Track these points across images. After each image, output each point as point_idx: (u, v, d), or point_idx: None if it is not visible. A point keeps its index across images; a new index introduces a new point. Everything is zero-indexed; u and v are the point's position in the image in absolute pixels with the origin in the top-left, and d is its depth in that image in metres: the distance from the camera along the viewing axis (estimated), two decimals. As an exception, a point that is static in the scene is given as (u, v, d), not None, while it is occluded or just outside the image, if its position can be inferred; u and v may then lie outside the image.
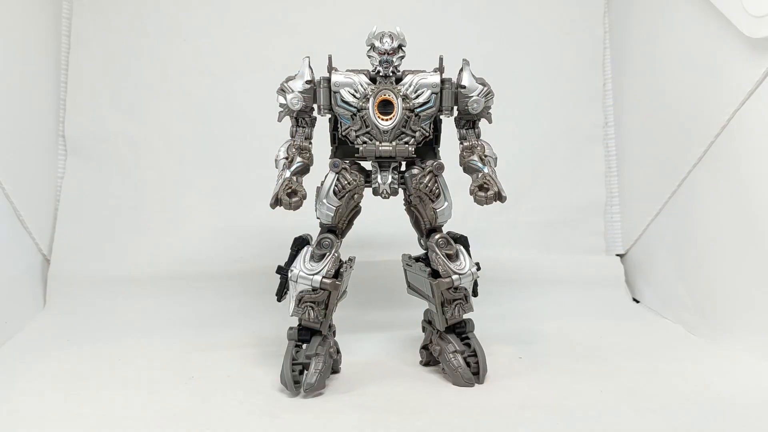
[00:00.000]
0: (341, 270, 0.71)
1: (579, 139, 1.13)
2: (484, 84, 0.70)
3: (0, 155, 0.88)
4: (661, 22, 0.99)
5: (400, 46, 0.68)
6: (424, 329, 0.79)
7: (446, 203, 0.71)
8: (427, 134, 0.69)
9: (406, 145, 0.68)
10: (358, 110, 0.68)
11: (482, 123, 0.72)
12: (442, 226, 0.72)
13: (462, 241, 0.73)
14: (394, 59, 0.68)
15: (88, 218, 1.04)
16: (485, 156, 0.70)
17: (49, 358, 0.77)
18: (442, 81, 0.69)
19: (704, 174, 0.89)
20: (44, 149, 1.03)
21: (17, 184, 0.91)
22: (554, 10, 1.13)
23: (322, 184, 0.70)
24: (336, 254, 0.70)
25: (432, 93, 0.68)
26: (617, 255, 1.12)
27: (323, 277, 0.69)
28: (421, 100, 0.68)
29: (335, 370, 0.72)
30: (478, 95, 0.70)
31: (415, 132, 0.69)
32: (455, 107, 0.71)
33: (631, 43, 1.09)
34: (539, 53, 1.13)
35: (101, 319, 0.93)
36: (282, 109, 0.70)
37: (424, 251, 0.74)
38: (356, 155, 0.68)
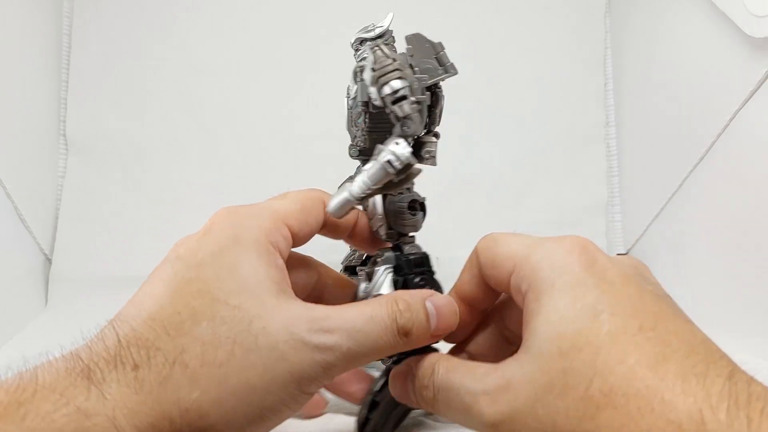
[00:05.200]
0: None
1: (580, 139, 1.13)
2: None
3: (1, 155, 0.88)
4: (662, 21, 0.99)
5: (401, 46, 0.68)
6: (425, 329, 0.78)
7: None
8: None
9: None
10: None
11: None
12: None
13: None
14: (396, 59, 0.68)
15: (89, 218, 1.03)
16: None
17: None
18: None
19: (706, 174, 0.89)
20: (45, 148, 1.03)
21: (18, 183, 0.91)
22: (555, 11, 1.13)
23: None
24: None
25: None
26: (618, 254, 1.12)
27: (325, 277, 0.69)
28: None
29: (337, 370, 0.72)
30: None
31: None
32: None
33: (632, 43, 1.09)
34: (540, 53, 1.13)
35: (103, 318, 0.93)
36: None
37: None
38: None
